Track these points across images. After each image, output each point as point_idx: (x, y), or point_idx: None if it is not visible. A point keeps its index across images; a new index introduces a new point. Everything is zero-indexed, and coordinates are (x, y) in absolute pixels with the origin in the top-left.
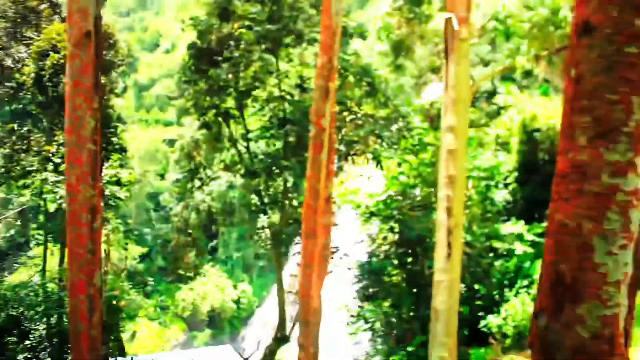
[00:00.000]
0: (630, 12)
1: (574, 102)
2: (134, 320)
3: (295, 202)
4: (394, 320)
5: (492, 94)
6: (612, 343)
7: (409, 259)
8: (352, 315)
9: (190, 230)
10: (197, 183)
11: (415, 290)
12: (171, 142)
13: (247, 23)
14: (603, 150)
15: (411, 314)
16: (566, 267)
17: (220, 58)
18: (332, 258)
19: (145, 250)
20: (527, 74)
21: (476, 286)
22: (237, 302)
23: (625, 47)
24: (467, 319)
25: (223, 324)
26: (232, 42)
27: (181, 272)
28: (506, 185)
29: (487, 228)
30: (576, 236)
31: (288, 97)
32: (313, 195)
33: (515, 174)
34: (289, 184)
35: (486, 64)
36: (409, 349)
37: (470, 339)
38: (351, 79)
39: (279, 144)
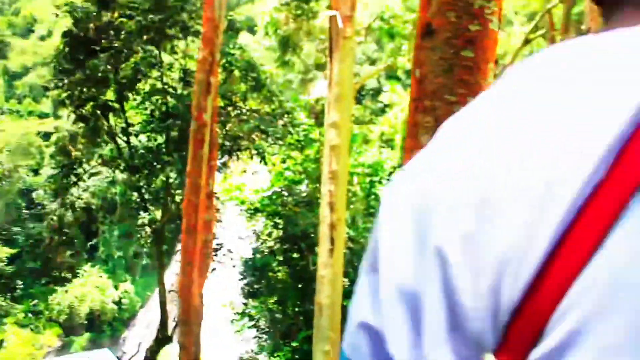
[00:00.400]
0: (466, 17)
1: (418, 102)
2: (1, 328)
3: (177, 199)
4: (279, 316)
5: (377, 91)
6: None
7: (294, 255)
8: (236, 313)
9: (66, 229)
10: (73, 179)
11: (300, 285)
12: (47, 136)
13: (128, 12)
14: None
15: (296, 309)
16: None
17: (98, 48)
18: (215, 255)
19: (15, 251)
20: (409, 73)
21: None
22: (118, 303)
23: (462, 50)
24: None
25: (103, 327)
26: (112, 32)
27: (56, 273)
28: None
29: (371, 223)
30: None
31: (171, 90)
32: (194, 191)
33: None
34: (171, 180)
35: (372, 62)
36: (294, 344)
37: None
38: (237, 73)
39: (160, 139)
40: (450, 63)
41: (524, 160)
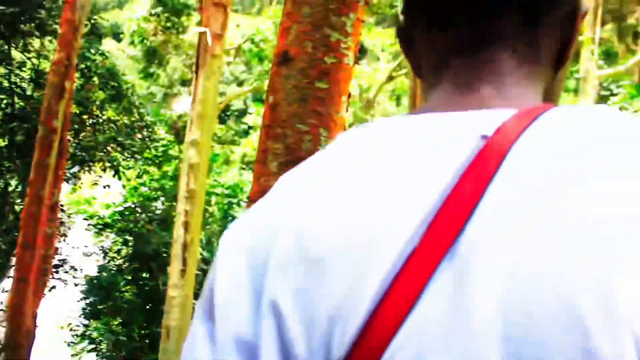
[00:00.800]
0: (322, 49)
1: (269, 129)
2: None
3: (17, 208)
4: (123, 339)
5: (242, 113)
6: None
7: (144, 274)
8: (75, 335)
9: None
10: None
11: (148, 307)
12: None
13: None
14: None
15: (142, 332)
16: None
17: None
18: (56, 272)
19: None
20: None
21: None
22: None
23: (317, 81)
24: None
25: None
26: None
27: None
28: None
29: None
30: None
31: (19, 90)
32: (35, 202)
33: None
34: (11, 188)
35: (240, 83)
36: None
37: None
38: (96, 80)
39: (2, 142)
40: (304, 92)
41: (350, 222)
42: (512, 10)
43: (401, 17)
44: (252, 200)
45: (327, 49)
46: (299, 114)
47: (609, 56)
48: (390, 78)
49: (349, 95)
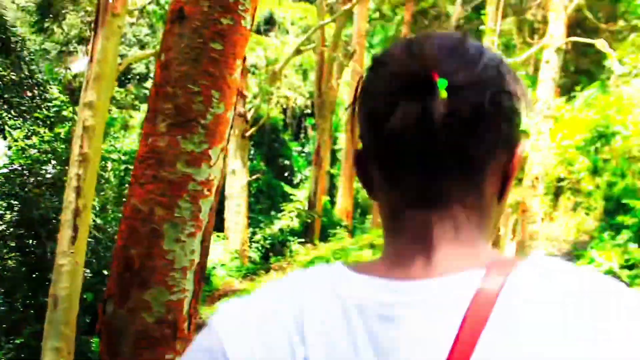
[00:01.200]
0: (219, 9)
1: (160, 88)
2: None
3: None
4: (4, 309)
5: (144, 77)
6: (176, 327)
7: (30, 241)
8: None
9: None
10: None
11: (34, 275)
12: None
13: None
14: (180, 139)
15: (27, 302)
16: (136, 253)
17: None
18: None
19: None
20: None
21: (105, 272)
22: None
23: (211, 42)
24: (92, 306)
25: None
26: None
27: None
28: None
29: (121, 212)
30: (147, 222)
31: None
32: None
33: None
34: None
35: (142, 46)
36: (18, 341)
37: (93, 326)
38: None
39: None
40: (197, 52)
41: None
42: (455, 170)
43: (359, 143)
44: (139, 160)
45: (224, 9)
46: (190, 74)
47: (508, 48)
48: (298, 52)
49: (244, 59)
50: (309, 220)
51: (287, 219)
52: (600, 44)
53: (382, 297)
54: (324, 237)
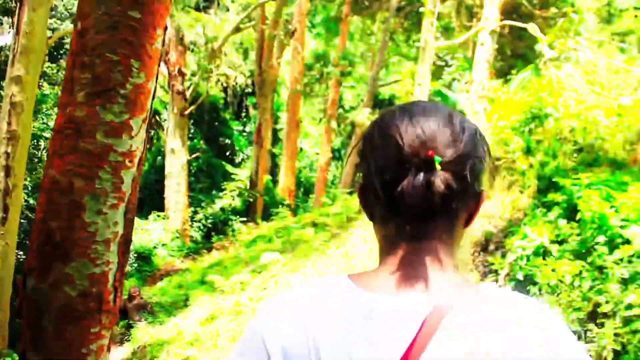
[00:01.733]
0: None
1: (77, 57)
2: None
3: None
4: None
5: None
6: (101, 300)
7: None
8: None
9: None
10: None
11: None
12: None
13: None
14: (99, 109)
15: None
16: (56, 225)
17: None
18: None
19: None
20: None
21: None
22: None
23: (130, 10)
24: None
25: None
26: None
27: None
28: None
29: None
30: (67, 194)
31: None
32: None
33: None
34: None
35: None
36: None
37: None
38: None
39: None
40: (115, 20)
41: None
42: (439, 218)
43: (360, 178)
44: (57, 130)
45: None
46: (108, 43)
47: (447, 30)
48: (238, 29)
49: (165, 29)
50: (251, 200)
51: (228, 198)
52: (531, 28)
53: (368, 303)
54: (267, 216)
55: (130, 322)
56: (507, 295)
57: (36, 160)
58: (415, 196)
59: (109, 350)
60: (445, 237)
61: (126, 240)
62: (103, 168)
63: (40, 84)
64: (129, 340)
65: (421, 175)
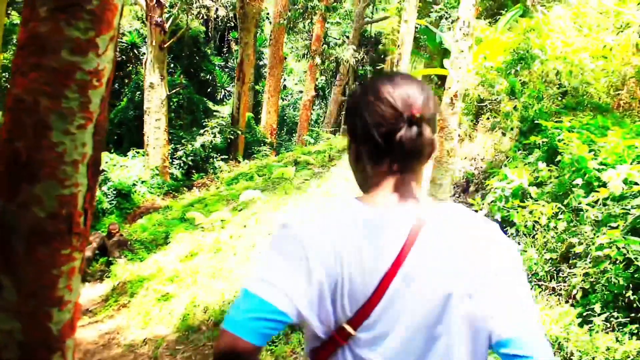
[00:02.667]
0: None
1: None
2: None
3: None
4: None
5: None
6: (70, 222)
7: None
8: None
9: None
10: None
11: None
12: None
13: None
14: (64, 25)
15: None
16: (22, 145)
17: None
18: None
19: None
20: None
21: None
22: None
23: None
24: None
25: None
26: None
27: None
28: None
29: None
30: (33, 113)
31: None
32: None
33: None
34: None
35: None
36: None
37: None
38: None
39: None
40: None
41: (361, 253)
42: (417, 157)
43: (352, 141)
44: (20, 47)
45: None
46: None
47: None
48: None
49: None
50: (232, 137)
51: (209, 136)
52: None
53: (374, 215)
54: (248, 154)
55: (110, 258)
56: (463, 211)
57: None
58: (410, 143)
59: (80, 272)
60: (417, 170)
61: (95, 162)
62: (69, 87)
63: (9, 12)
64: (109, 277)
65: (414, 128)
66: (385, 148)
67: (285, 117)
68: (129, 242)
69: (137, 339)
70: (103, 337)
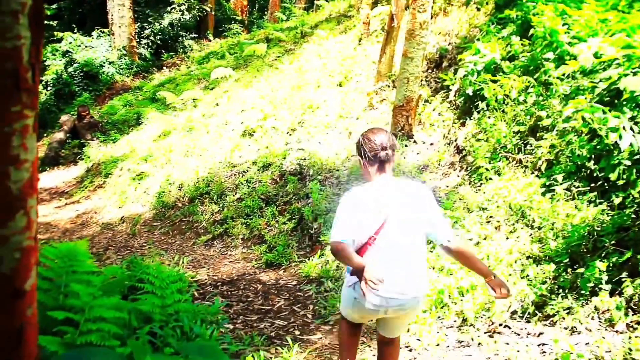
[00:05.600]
0: None
1: None
2: None
3: None
4: None
5: None
6: (17, 77)
7: None
8: None
9: None
10: None
11: None
12: None
13: None
14: None
15: None
16: None
17: None
18: None
19: None
20: None
21: None
22: None
23: None
24: None
25: None
26: None
27: None
28: None
29: None
30: None
31: None
32: None
33: None
34: None
35: None
36: None
37: None
38: None
39: None
40: None
41: (375, 203)
42: (386, 164)
43: (361, 158)
44: None
45: None
46: None
47: None
48: None
49: None
50: (202, 15)
51: (177, 13)
52: None
53: (378, 187)
54: (218, 33)
55: (82, 141)
56: (414, 182)
57: None
58: (384, 157)
59: (35, 131)
60: (388, 168)
61: (37, 13)
62: None
63: None
64: (82, 159)
65: (385, 151)
66: (374, 160)
67: None
68: (100, 124)
69: (115, 217)
70: (81, 217)
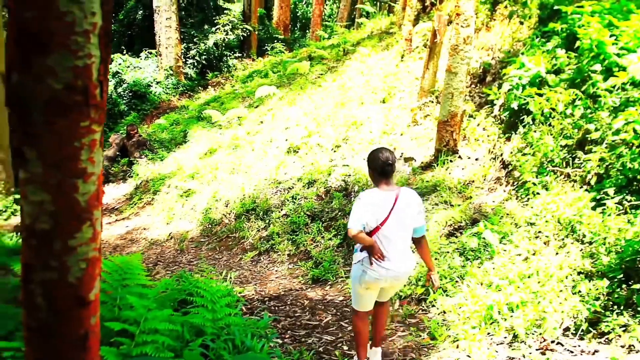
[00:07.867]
0: None
1: None
2: None
3: None
4: None
5: None
6: (87, 94)
7: None
8: None
9: None
10: None
11: None
12: None
13: None
14: None
15: None
16: (30, 16)
17: None
18: None
19: None
20: None
21: None
22: None
23: None
24: None
25: None
26: None
27: None
28: None
29: None
30: None
31: None
32: None
33: None
34: None
35: None
36: None
37: None
38: None
39: None
40: None
41: (382, 203)
42: (390, 175)
43: (371, 170)
44: None
45: None
46: None
47: None
48: None
49: None
50: (245, 34)
51: (221, 34)
52: None
53: (384, 191)
54: (261, 52)
55: (131, 159)
56: (409, 190)
57: None
58: (390, 171)
59: (101, 145)
60: (392, 178)
61: (106, 33)
62: None
63: None
64: (131, 177)
65: (390, 166)
66: (382, 173)
67: (298, 13)
68: (148, 142)
69: (163, 233)
70: (130, 233)
